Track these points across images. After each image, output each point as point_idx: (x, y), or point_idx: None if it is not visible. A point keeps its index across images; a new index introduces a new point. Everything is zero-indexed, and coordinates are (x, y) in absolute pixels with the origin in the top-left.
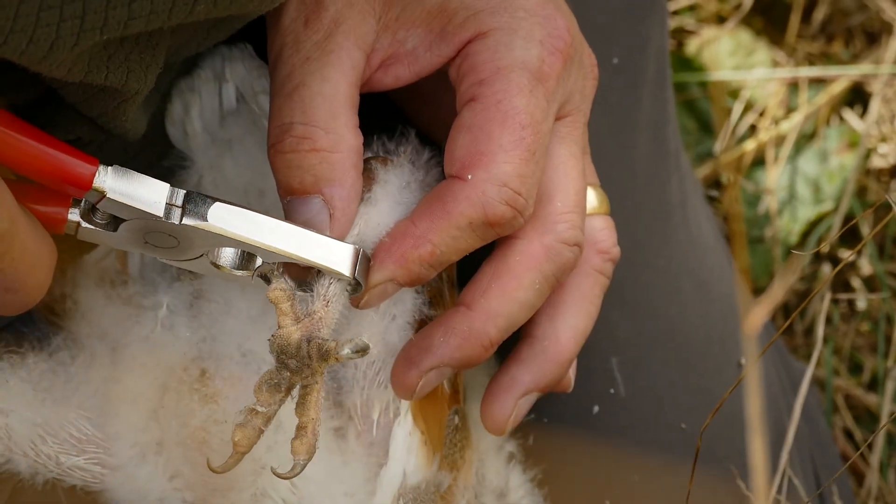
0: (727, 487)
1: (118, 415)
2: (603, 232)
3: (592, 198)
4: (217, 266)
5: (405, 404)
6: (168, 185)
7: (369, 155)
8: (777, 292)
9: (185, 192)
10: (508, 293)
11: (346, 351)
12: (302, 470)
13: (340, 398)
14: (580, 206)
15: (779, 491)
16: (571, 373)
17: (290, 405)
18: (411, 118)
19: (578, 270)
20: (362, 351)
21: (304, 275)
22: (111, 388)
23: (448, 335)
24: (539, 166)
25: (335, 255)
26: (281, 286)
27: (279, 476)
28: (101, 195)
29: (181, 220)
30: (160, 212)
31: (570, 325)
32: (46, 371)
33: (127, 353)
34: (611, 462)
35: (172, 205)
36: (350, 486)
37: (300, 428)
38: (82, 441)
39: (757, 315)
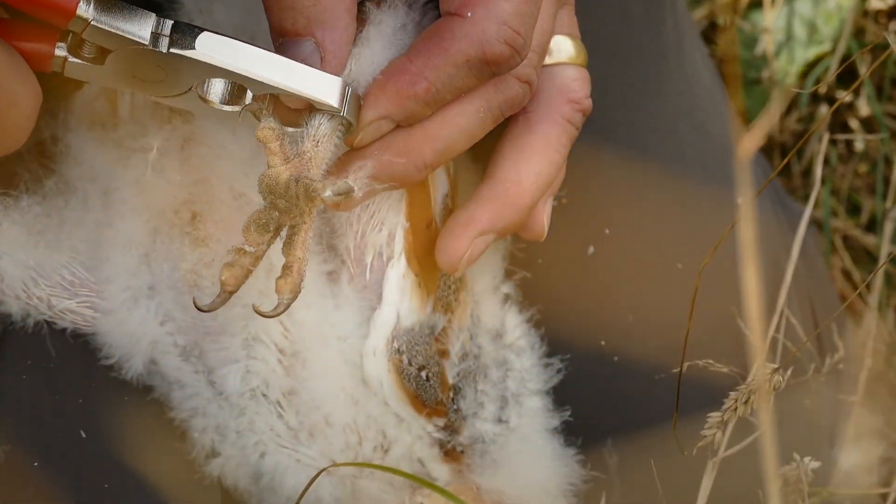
0: (727, 327)
1: (110, 259)
2: (576, 82)
3: (570, 47)
4: (205, 100)
5: (399, 247)
6: (154, 14)
7: None
8: (771, 118)
9: (172, 21)
10: (450, 117)
11: (328, 193)
12: (285, 309)
13: (334, 242)
14: (541, 48)
15: (777, 331)
16: (546, 219)
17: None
18: None
19: (547, 118)
20: (345, 193)
21: (295, 118)
22: (103, 233)
23: (383, 149)
24: (538, 7)
25: (324, 86)
26: (270, 125)
27: (262, 314)
28: (86, 23)
29: (168, 49)
30: (146, 40)
31: (534, 171)
32: (40, 214)
33: (118, 197)
34: (605, 301)
35: (159, 34)
36: (343, 329)
37: (286, 267)
38: (75, 284)
39: (750, 140)
